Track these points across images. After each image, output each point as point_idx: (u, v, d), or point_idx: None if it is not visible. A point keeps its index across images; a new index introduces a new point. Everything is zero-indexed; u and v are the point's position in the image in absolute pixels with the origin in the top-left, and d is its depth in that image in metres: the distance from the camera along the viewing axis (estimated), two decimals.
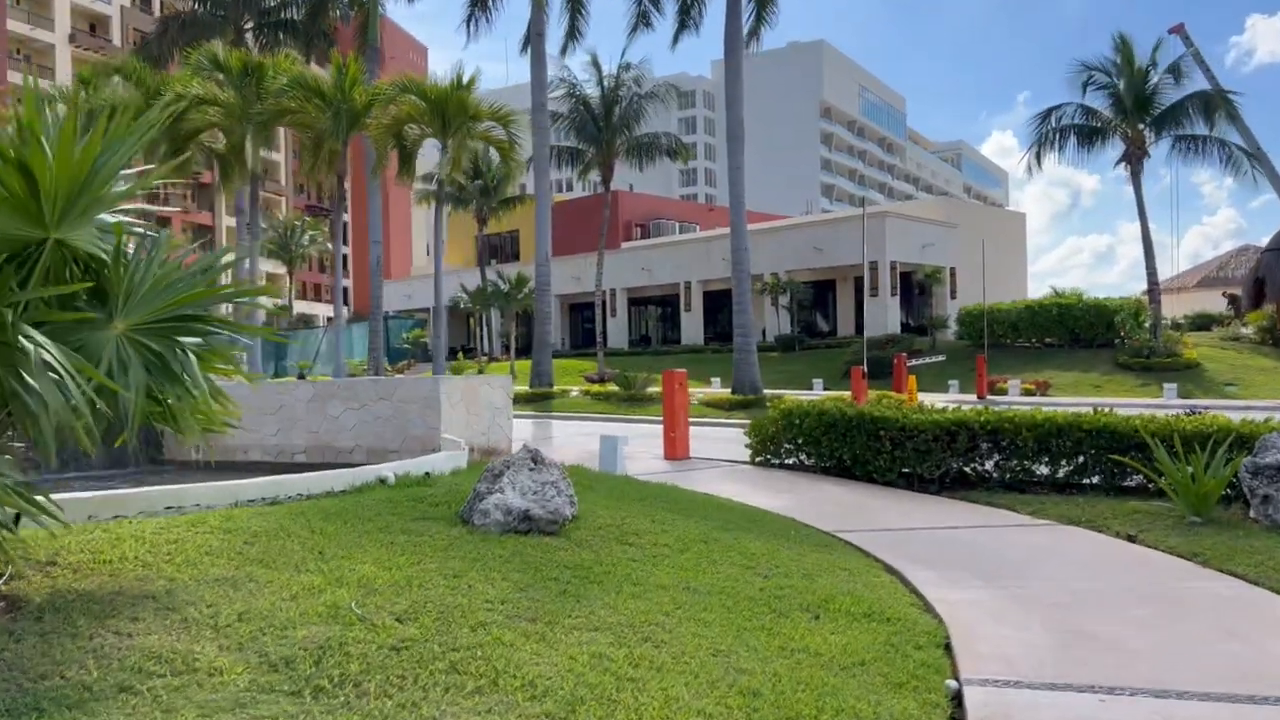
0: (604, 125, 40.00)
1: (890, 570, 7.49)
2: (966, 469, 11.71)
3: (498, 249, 63.37)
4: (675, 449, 14.10)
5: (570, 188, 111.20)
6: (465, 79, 12.83)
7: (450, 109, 12.30)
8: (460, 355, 52.39)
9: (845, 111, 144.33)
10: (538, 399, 25.04)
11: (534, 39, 26.61)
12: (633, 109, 40.74)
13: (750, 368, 23.59)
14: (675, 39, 26.89)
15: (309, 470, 11.19)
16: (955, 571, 7.38)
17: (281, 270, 77.44)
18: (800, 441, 13.11)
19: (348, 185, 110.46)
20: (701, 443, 16.69)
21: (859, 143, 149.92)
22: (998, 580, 7.10)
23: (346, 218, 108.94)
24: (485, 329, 53.30)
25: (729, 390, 24.96)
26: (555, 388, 26.58)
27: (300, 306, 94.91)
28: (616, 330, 51.86)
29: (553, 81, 39.93)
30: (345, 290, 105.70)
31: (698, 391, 26.66)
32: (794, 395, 24.98)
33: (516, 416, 24.44)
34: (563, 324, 55.05)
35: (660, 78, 41.59)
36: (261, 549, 6.31)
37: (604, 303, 48.56)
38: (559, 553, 6.87)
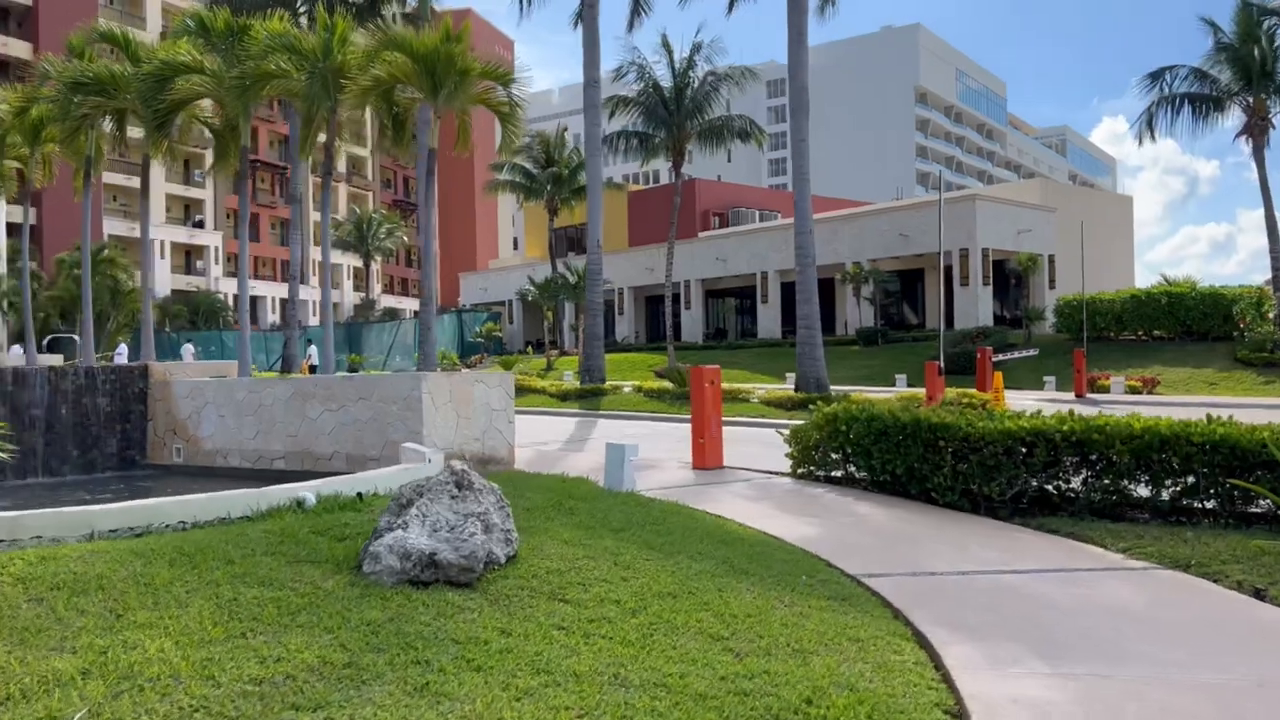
0: (674, 108, 38.16)
1: (920, 640, 5.52)
2: (1048, 487, 9.56)
3: (574, 241, 62.01)
4: (704, 457, 12.24)
5: (654, 179, 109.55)
6: (457, 31, 11.11)
7: (440, 66, 10.62)
8: (530, 349, 51.19)
9: (942, 97, 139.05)
10: (587, 396, 23.41)
11: (585, 10, 24.99)
12: (704, 91, 38.79)
13: (815, 363, 21.48)
14: (730, 6, 24.80)
15: (286, 480, 9.72)
16: (1010, 644, 5.38)
17: (357, 263, 77.68)
18: (848, 451, 11.10)
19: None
20: (748, 448, 14.75)
21: (956, 129, 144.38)
22: (1069, 660, 5.09)
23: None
24: (560, 322, 52.02)
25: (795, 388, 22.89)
26: (607, 384, 24.89)
27: (388, 300, 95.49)
28: (690, 323, 49.93)
29: (623, 65, 38.26)
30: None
31: (759, 388, 24.64)
32: (869, 393, 22.78)
33: (561, 415, 22.88)
34: (636, 316, 53.37)
35: (749, 64, 39.39)
36: (39, 611, 4.70)
37: (676, 294, 46.67)
38: (457, 618, 5.12)
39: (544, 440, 17.09)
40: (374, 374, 12.22)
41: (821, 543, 8.00)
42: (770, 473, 12.15)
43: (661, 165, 52.70)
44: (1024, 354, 32.10)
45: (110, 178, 70.55)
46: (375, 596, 5.29)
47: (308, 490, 7.32)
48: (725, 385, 25.84)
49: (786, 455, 11.84)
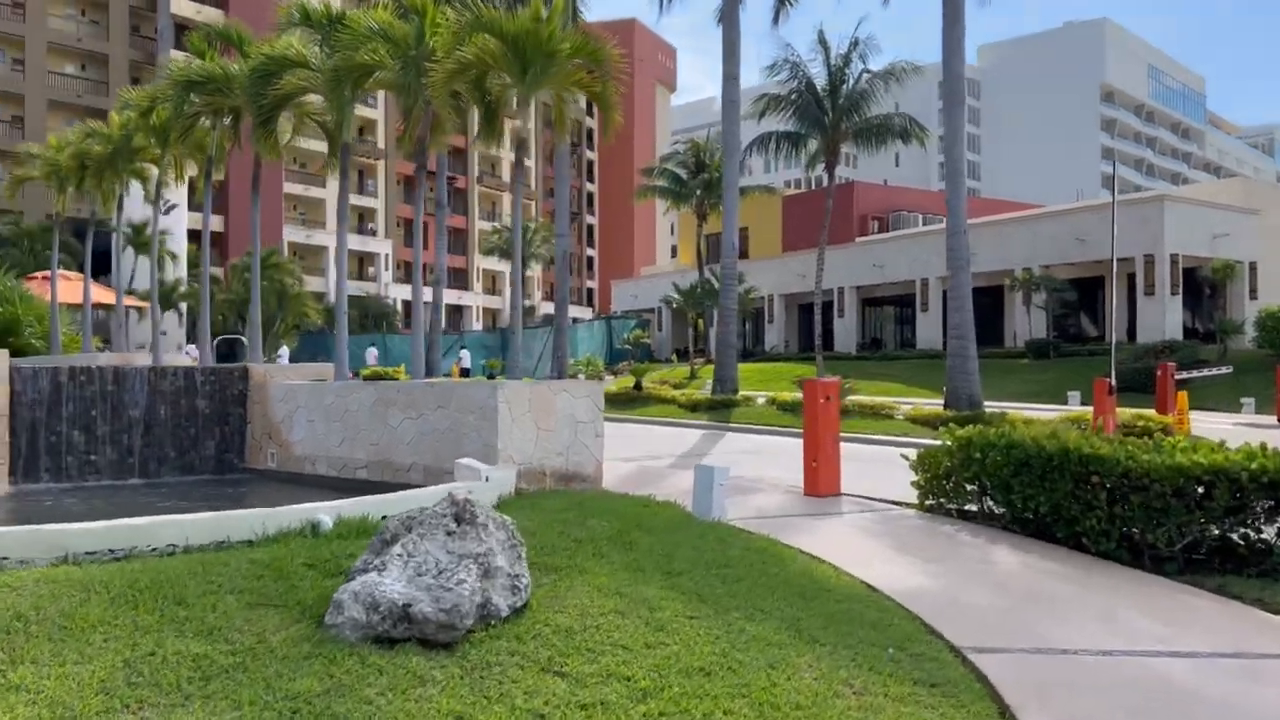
0: (829, 107, 36.39)
1: None
2: (1231, 536, 7.74)
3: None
4: (817, 483, 10.83)
5: (819, 184, 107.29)
6: (546, 11, 10.19)
7: (528, 47, 9.73)
8: (674, 357, 50.25)
9: (1131, 95, 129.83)
10: (717, 407, 22.17)
11: (726, 4, 23.84)
12: (860, 89, 36.84)
13: (967, 377, 19.49)
14: None
15: (370, 490, 9.05)
16: None
17: (502, 268, 78.83)
18: (985, 483, 9.48)
19: (593, 188, 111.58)
20: (878, 470, 13.16)
21: (1147, 129, 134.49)
22: None
23: (593, 219, 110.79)
24: (707, 330, 50.88)
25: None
26: (740, 394, 23.56)
27: (547, 307, 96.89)
28: (843, 332, 47.74)
29: (775, 62, 36.80)
30: (590, 291, 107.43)
31: (907, 403, 22.74)
32: (1031, 412, 20.60)
33: (687, 426, 21.72)
34: (786, 325, 51.55)
35: (922, 64, 37.20)
36: None
37: (827, 302, 44.73)
38: (410, 694, 4.08)
39: (657, 454, 16.00)
40: (455, 380, 11.44)
41: (929, 598, 6.55)
42: (894, 503, 10.62)
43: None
44: (1215, 371, 28.64)
45: (289, 187, 74.34)
46: (323, 658, 4.30)
47: (326, 512, 6.47)
48: (869, 399, 24.04)
49: (913, 484, 10.29)
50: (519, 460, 9.84)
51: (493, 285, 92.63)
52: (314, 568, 5.53)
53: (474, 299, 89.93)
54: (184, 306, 45.44)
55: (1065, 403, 27.82)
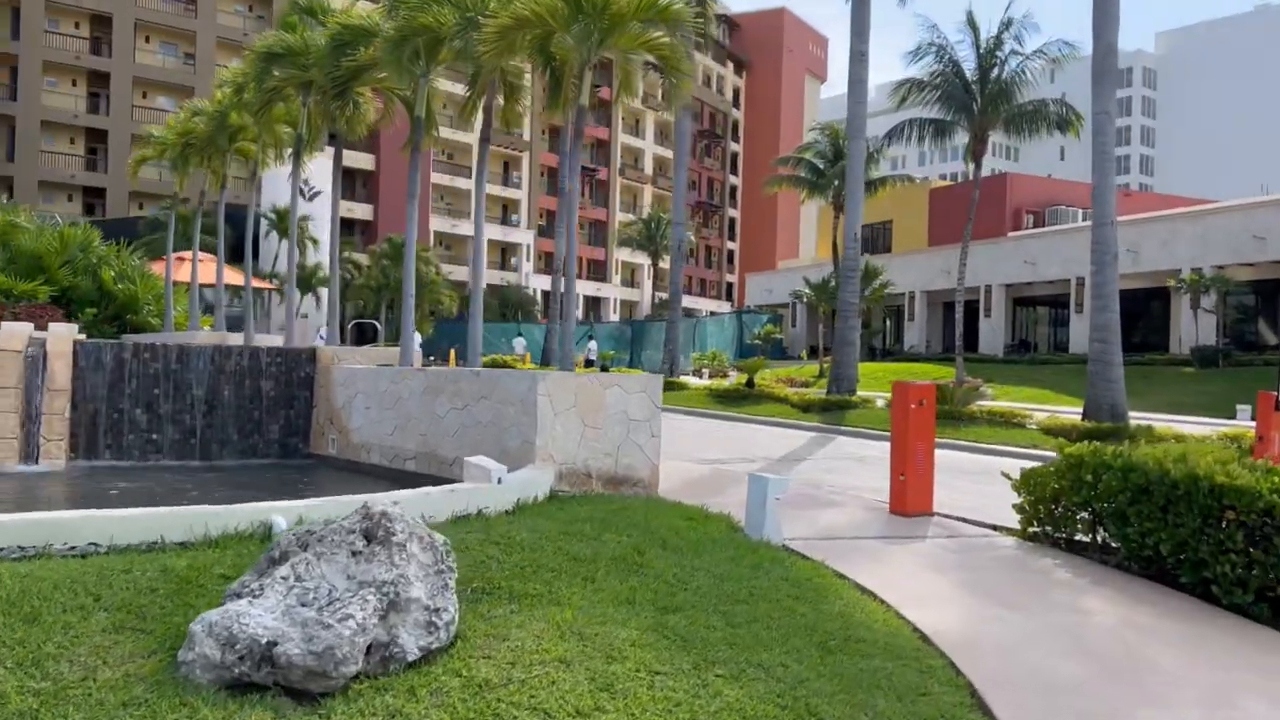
0: (977, 92, 34.02)
1: None
2: None
3: (867, 240, 58.37)
4: (904, 499, 9.46)
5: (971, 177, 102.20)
6: None
7: (586, 1, 8.78)
8: (804, 355, 48.45)
9: None
10: (831, 408, 20.69)
11: None
12: (1013, 73, 34.29)
13: (1110, 385, 17.40)
14: None
15: (421, 482, 8.39)
16: None
17: (644, 262, 78.38)
18: (1097, 511, 7.96)
19: (736, 181, 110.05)
20: (990, 488, 11.58)
21: None
22: None
23: (735, 212, 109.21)
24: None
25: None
26: (857, 395, 21.98)
27: (685, 301, 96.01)
28: (990, 333, 44.82)
29: (920, 45, 34.72)
30: (729, 285, 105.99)
31: (1044, 410, 20.65)
32: (1185, 427, 18.33)
33: (795, 427, 20.33)
34: (928, 324, 48.88)
35: (1082, 48, 34.39)
36: None
37: (972, 300, 42.11)
38: None
39: (748, 457, 14.80)
40: (499, 370, 10.61)
41: (991, 658, 5.24)
42: (992, 528, 9.16)
43: (986, 161, 48.05)
44: None
45: (436, 178, 76.08)
46: (143, 708, 3.46)
47: (281, 513, 5.69)
48: (1003, 405, 22.04)
49: (1014, 507, 8.82)
50: (560, 459, 8.92)
51: (631, 277, 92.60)
52: (231, 580, 4.73)
53: (612, 290, 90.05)
54: (324, 291, 46.84)
55: (1233, 417, 24.97)
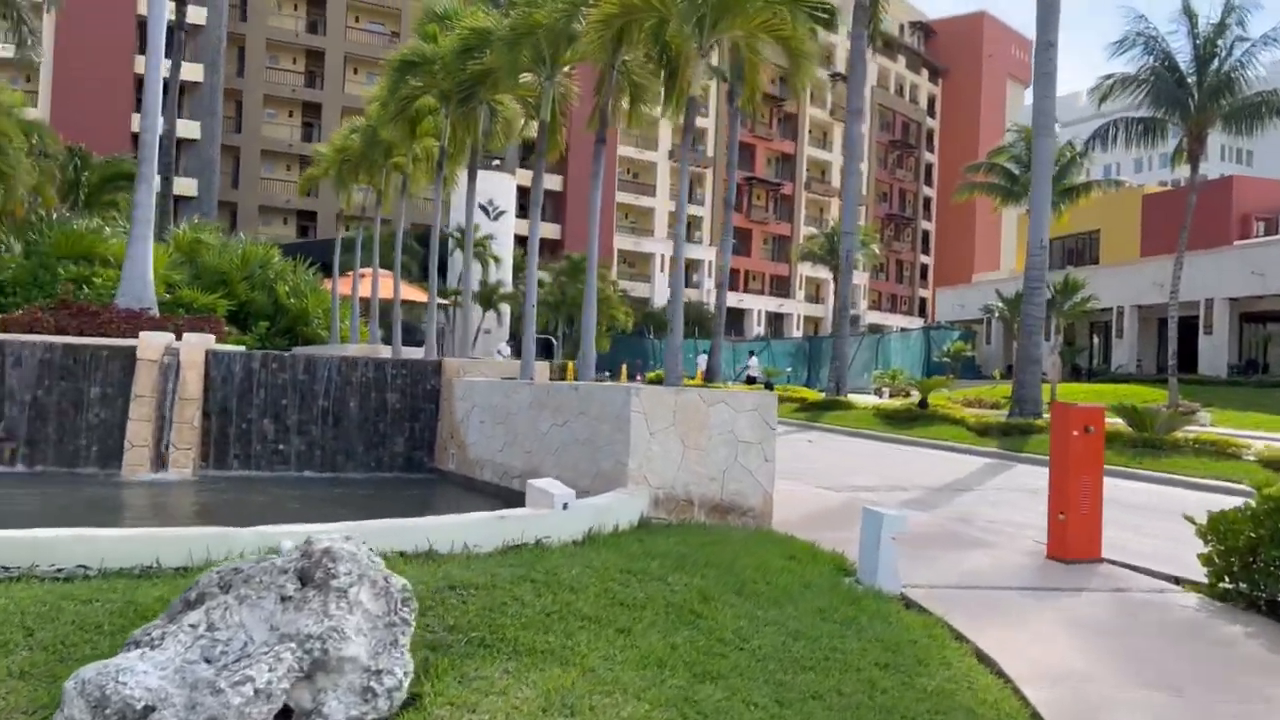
0: (1194, 85, 30.71)
1: None
2: None
3: (1072, 252, 54.30)
4: (1064, 542, 7.99)
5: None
6: None
7: None
8: (997, 374, 45.23)
9: None
10: (1012, 432, 18.73)
11: None
12: (1233, 64, 30.82)
13: None
14: None
15: (517, 505, 7.90)
16: None
17: (827, 277, 76.08)
18: None
19: (930, 192, 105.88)
20: (1182, 529, 9.79)
21: None
22: None
23: (929, 225, 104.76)
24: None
25: None
26: (1043, 419, 19.85)
27: (873, 317, 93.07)
28: (1211, 352, 40.33)
29: (1126, 37, 31.82)
30: (923, 301, 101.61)
31: (1264, 439, 17.89)
32: None
33: (968, 453, 18.52)
34: (1140, 342, 44.59)
35: None
36: None
37: (1190, 316, 38.03)
38: None
39: (901, 484, 13.39)
40: (597, 384, 9.82)
41: None
42: (1174, 580, 7.59)
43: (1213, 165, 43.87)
44: None
45: (621, 196, 76.99)
46: None
47: (293, 537, 5.12)
48: (1217, 433, 19.38)
49: (1200, 557, 7.24)
50: (656, 483, 8.08)
51: (816, 293, 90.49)
52: (146, 619, 4.17)
53: (795, 307, 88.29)
54: (504, 308, 47.91)
55: None
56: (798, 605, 5.73)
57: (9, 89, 26.89)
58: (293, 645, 3.32)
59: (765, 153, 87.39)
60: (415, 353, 17.61)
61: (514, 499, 9.65)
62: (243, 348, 15.34)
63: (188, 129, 61.94)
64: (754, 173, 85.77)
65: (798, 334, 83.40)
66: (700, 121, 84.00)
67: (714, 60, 17.48)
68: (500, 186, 54.53)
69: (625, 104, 11.93)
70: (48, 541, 4.80)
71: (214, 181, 62.52)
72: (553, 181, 74.53)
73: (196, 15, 62.08)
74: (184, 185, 61.28)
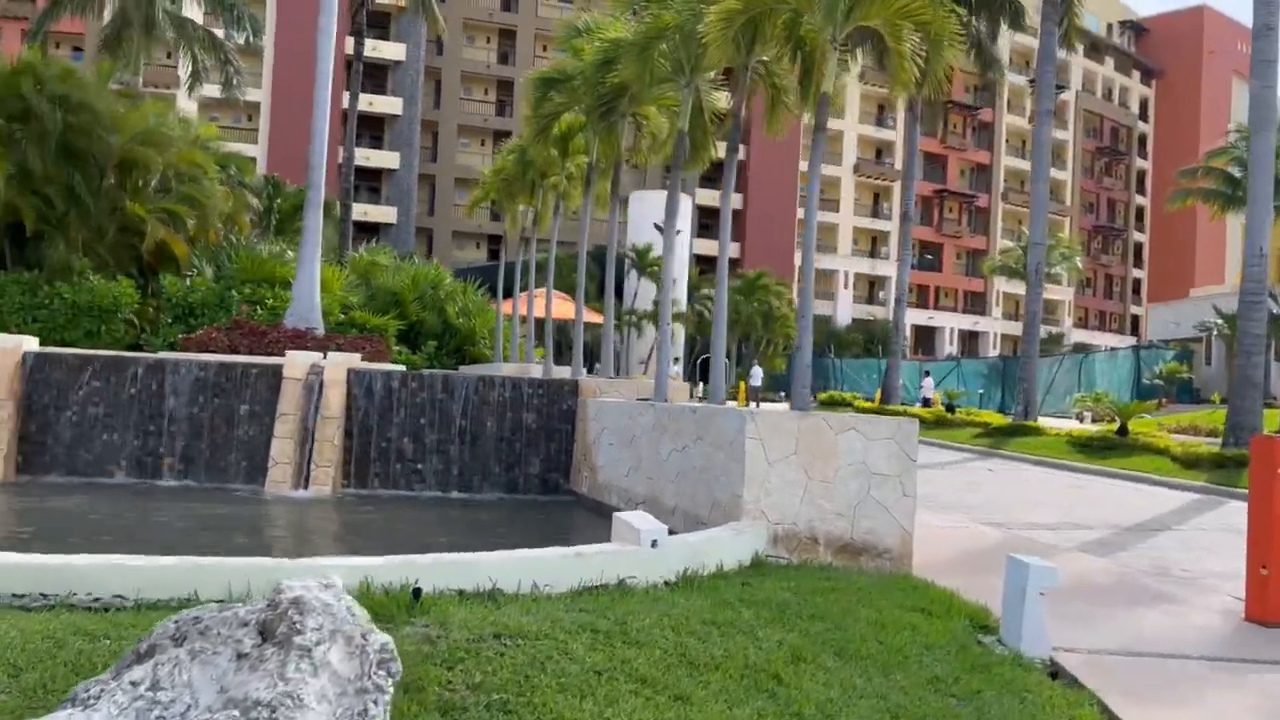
0: None
1: None
2: None
3: None
4: (1264, 602, 6.59)
5: None
6: None
7: None
8: (1216, 398, 40.78)
9: None
10: (1226, 465, 16.48)
11: None
12: None
13: None
14: None
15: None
16: None
17: (1018, 291, 71.71)
18: None
19: (1144, 201, 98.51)
20: None
21: None
22: None
23: (1143, 236, 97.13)
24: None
25: None
26: None
27: (1079, 335, 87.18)
28: None
29: None
30: (1135, 319, 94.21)
31: None
32: None
33: (1173, 488, 16.44)
34: None
35: None
36: None
37: None
38: None
39: (1084, 523, 11.85)
40: (715, 407, 9.03)
41: None
42: None
43: None
44: None
45: (800, 212, 75.46)
46: None
47: (341, 572, 4.75)
48: None
49: None
50: (775, 518, 7.31)
51: (1015, 310, 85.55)
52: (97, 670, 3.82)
53: (991, 324, 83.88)
54: (677, 327, 47.60)
55: None
56: (909, 672, 4.86)
57: (209, 123, 28.99)
58: (236, 714, 2.86)
59: (958, 163, 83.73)
60: (565, 372, 17.46)
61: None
62: (402, 366, 15.59)
63: (388, 159, 65.63)
64: (946, 184, 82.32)
65: (993, 353, 79.05)
66: (886, 133, 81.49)
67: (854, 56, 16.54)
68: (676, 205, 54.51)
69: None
70: (84, 569, 4.62)
71: (411, 208, 65.89)
72: (734, 199, 74.03)
73: (396, 52, 65.81)
74: (384, 213, 64.94)
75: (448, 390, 12.17)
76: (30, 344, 12.17)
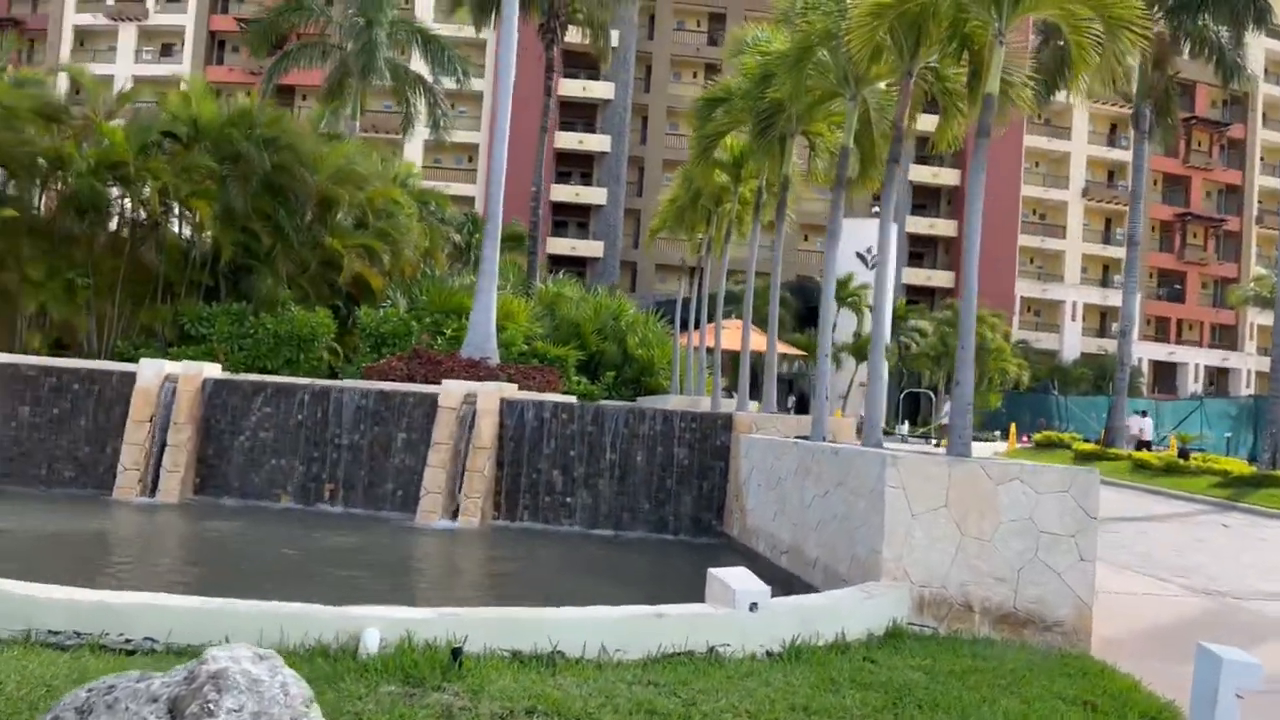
0: None
1: None
2: None
3: None
4: None
5: None
6: None
7: None
8: None
9: None
10: None
11: None
12: None
13: None
14: None
15: (783, 587, 6.98)
16: None
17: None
18: None
19: None
20: None
21: None
22: None
23: None
24: None
25: None
26: None
27: None
28: None
29: None
30: None
31: None
32: None
33: None
34: None
35: None
36: None
37: None
38: None
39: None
40: (857, 449, 7.98)
41: None
42: None
43: None
44: None
45: (1025, 239, 71.41)
46: None
47: (379, 626, 4.32)
48: None
49: None
50: (920, 578, 6.31)
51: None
52: None
53: (1243, 360, 75.67)
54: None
55: None
56: None
57: (404, 161, 30.43)
58: None
59: (1204, 184, 76.41)
60: (753, 406, 16.74)
61: (779, 581, 8.28)
62: (572, 398, 15.38)
63: (596, 195, 67.27)
64: (1189, 208, 75.22)
65: (1247, 392, 71.11)
66: (1118, 154, 75.39)
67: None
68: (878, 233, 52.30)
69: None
70: (120, 608, 4.39)
71: (616, 242, 67.16)
72: (944, 226, 71.08)
73: (605, 90, 67.50)
74: (591, 247, 66.51)
75: (597, 422, 11.73)
76: (210, 371, 12.77)
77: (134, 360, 14.13)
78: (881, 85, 10.78)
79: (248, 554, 9.47)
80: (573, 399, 15.06)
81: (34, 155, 17.64)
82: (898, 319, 49.33)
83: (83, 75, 21.12)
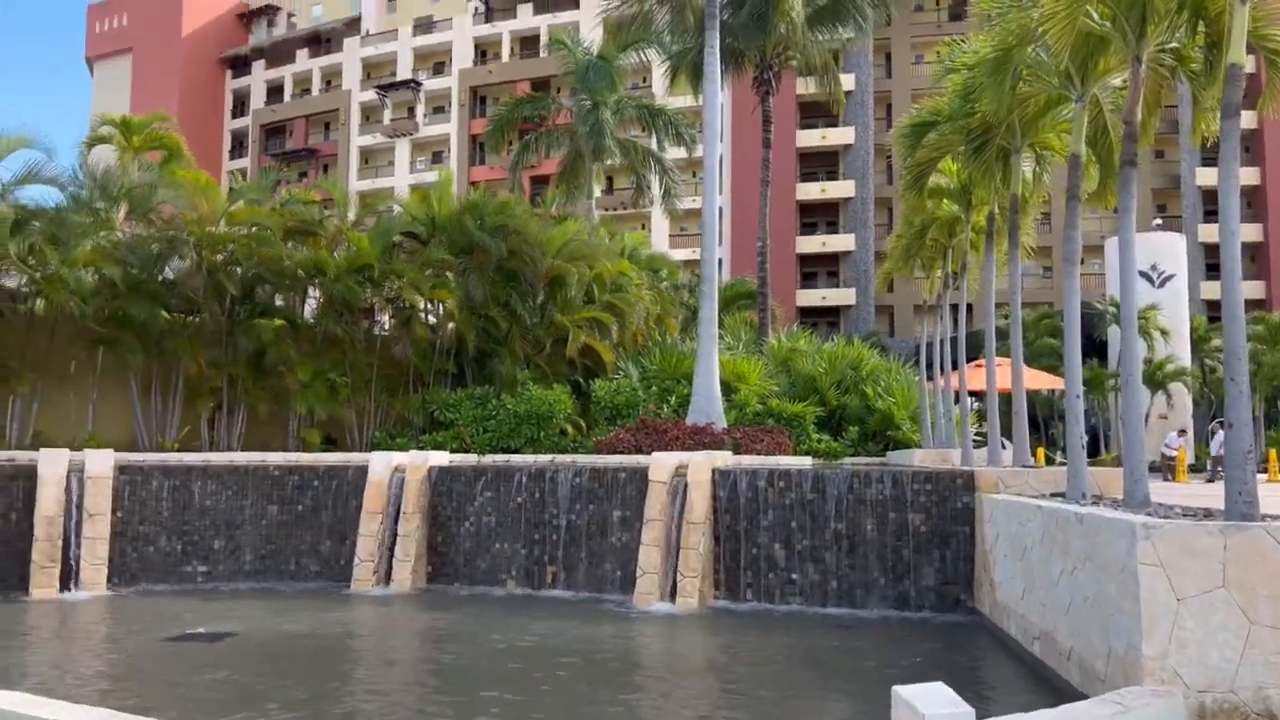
0: None
1: None
2: None
3: None
4: None
5: None
6: None
7: None
8: None
9: None
10: None
11: None
12: None
13: None
14: None
15: (1025, 701, 6.09)
16: None
17: None
18: None
19: None
20: None
21: None
22: None
23: None
24: None
25: None
26: None
27: None
28: None
29: None
30: None
31: None
32: None
33: None
34: None
35: None
36: None
37: None
38: None
39: None
40: (1103, 514, 6.41)
41: None
42: None
43: None
44: None
45: None
46: None
47: None
48: None
49: None
50: (1197, 682, 4.91)
51: None
52: None
53: None
54: (1176, 388, 40.07)
55: None
56: None
57: (635, 232, 30.67)
58: None
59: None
60: (955, 455, 15.05)
61: (1030, 673, 6.95)
62: (806, 460, 14.40)
63: (843, 242, 65.72)
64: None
65: None
66: None
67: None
68: (1165, 246, 46.84)
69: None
70: None
71: (869, 288, 65.02)
72: (1249, 230, 63.26)
73: (845, 136, 66.25)
74: (842, 295, 64.82)
75: (818, 489, 10.67)
76: (436, 459, 12.96)
77: (392, 450, 14.72)
78: (1116, 81, 9.29)
79: (457, 653, 9.13)
80: (806, 460, 14.06)
81: (294, 268, 19.17)
82: (1198, 340, 43.74)
83: (334, 188, 22.90)
